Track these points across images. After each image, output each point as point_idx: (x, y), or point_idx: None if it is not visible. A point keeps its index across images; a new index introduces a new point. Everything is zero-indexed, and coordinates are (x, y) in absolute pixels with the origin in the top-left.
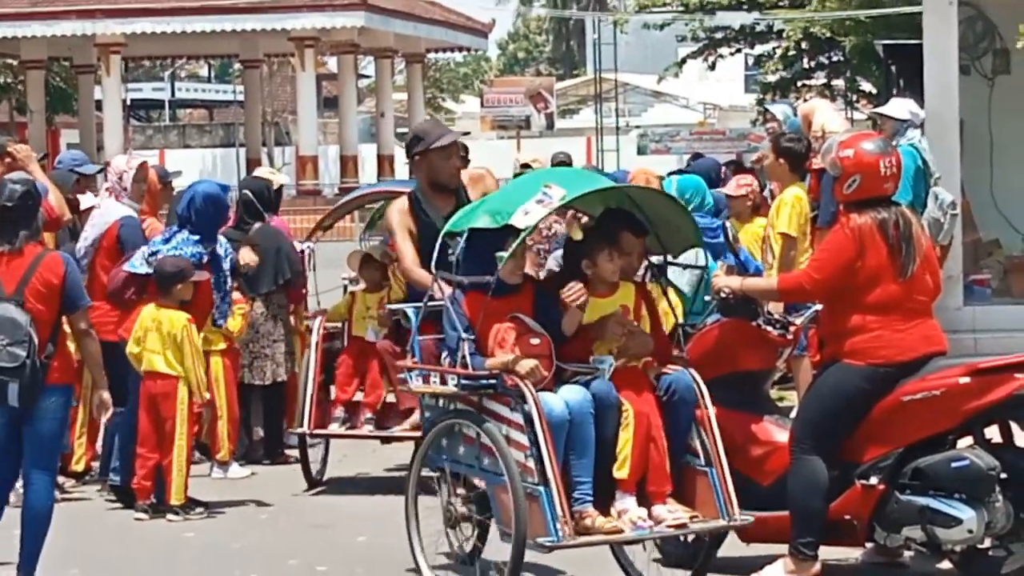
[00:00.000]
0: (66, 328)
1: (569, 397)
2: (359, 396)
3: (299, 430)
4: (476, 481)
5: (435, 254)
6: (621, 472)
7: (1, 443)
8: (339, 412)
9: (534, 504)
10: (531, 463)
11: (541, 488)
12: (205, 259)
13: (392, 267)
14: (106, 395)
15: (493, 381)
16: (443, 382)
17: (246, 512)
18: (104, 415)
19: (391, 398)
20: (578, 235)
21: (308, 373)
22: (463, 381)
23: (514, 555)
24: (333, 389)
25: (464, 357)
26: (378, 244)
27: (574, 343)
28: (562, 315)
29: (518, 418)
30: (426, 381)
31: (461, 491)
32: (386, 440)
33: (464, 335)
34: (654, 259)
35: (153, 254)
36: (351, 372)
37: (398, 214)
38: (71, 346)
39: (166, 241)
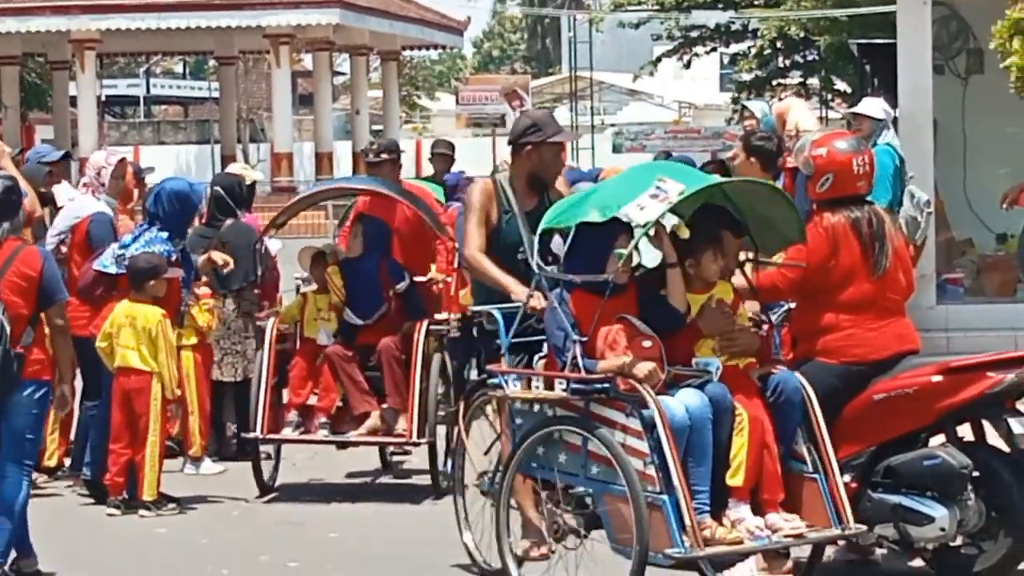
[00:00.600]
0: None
1: (688, 401)
2: (313, 400)
3: (251, 435)
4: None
5: (536, 250)
6: (735, 479)
7: None
8: (292, 416)
9: (656, 514)
10: (651, 471)
11: (664, 497)
12: (174, 256)
13: (330, 269)
14: (68, 390)
15: (607, 385)
16: (548, 387)
17: (218, 508)
18: (63, 411)
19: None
20: (685, 233)
21: (260, 376)
22: (574, 385)
23: (636, 569)
24: (286, 392)
25: (575, 360)
26: (330, 242)
27: (675, 344)
28: (666, 307)
29: (635, 424)
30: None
31: (550, 500)
32: (342, 445)
33: (575, 337)
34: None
35: (122, 252)
36: (304, 375)
37: (481, 195)
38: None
39: (135, 239)
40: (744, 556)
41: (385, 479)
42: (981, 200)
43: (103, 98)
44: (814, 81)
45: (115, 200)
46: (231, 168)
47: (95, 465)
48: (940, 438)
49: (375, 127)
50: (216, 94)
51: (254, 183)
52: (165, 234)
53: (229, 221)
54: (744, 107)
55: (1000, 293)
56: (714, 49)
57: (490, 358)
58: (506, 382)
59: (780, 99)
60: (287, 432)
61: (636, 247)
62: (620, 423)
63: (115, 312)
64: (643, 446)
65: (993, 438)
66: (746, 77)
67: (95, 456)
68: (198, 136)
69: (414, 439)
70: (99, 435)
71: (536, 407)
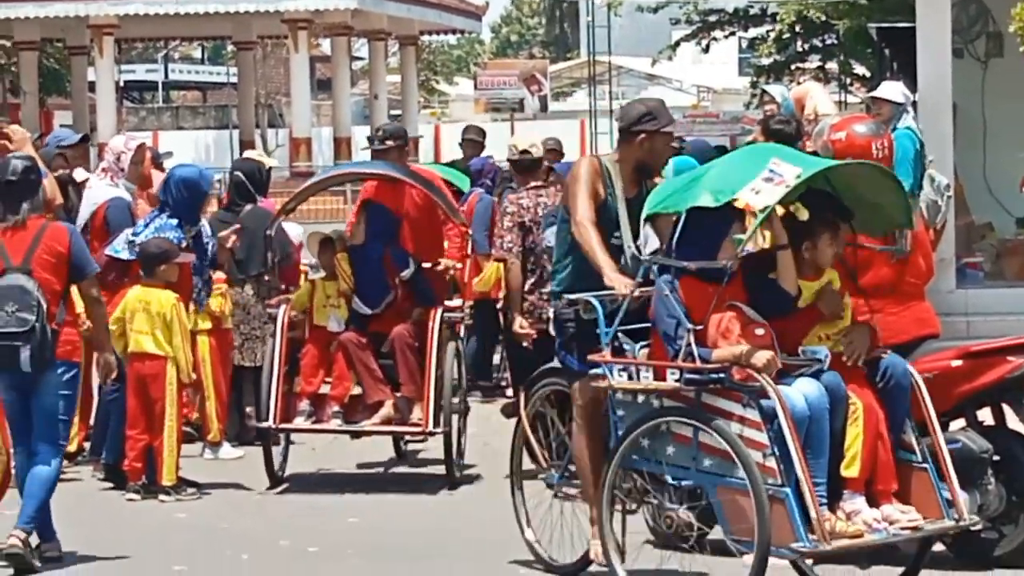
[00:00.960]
0: (77, 308)
1: (806, 391)
2: (325, 388)
3: (264, 424)
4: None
5: (643, 237)
6: (851, 470)
7: (19, 411)
8: (304, 405)
9: (778, 507)
10: (771, 463)
11: (786, 490)
12: (184, 243)
13: (339, 256)
14: (111, 358)
15: (722, 375)
16: (658, 377)
17: (238, 494)
18: (109, 377)
19: (357, 390)
20: (804, 215)
21: (272, 365)
22: (688, 375)
23: (757, 566)
24: (297, 381)
25: (689, 348)
26: (338, 228)
27: (783, 330)
28: (777, 292)
29: (754, 415)
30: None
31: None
32: (356, 435)
33: (688, 325)
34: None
35: (133, 238)
36: (316, 363)
37: (589, 170)
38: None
39: (146, 225)
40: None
41: (400, 468)
42: (1001, 184)
43: (122, 83)
44: (833, 65)
45: (134, 185)
46: (248, 154)
47: (113, 451)
48: (960, 422)
49: (393, 112)
50: (234, 79)
51: (270, 169)
52: (175, 220)
53: (248, 206)
54: (764, 91)
55: (1020, 277)
56: (732, 33)
57: (588, 347)
58: (610, 372)
59: (799, 83)
60: (299, 421)
61: (755, 233)
62: (737, 414)
63: (128, 297)
64: (762, 437)
65: (1013, 422)
66: (765, 61)
67: (113, 442)
68: (216, 121)
69: (430, 428)
70: (118, 421)
71: (640, 398)
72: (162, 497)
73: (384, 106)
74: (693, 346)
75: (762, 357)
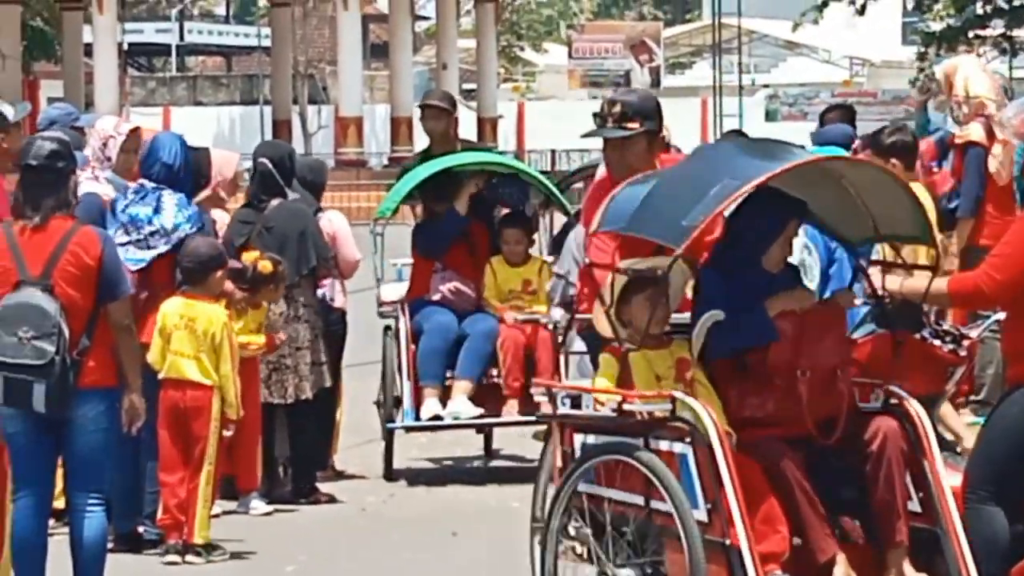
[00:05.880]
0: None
1: None
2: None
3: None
4: None
5: None
6: None
7: (29, 454)
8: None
9: None
10: None
11: None
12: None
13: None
14: (138, 399)
15: None
16: None
17: (269, 560)
18: (135, 424)
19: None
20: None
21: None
22: None
23: None
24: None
25: None
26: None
27: None
28: None
29: None
30: None
31: None
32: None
33: None
34: None
35: (147, 231)
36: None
37: None
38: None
39: (155, 211)
40: None
41: None
42: None
43: (126, 46)
44: (1022, 33)
45: (123, 180)
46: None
47: (126, 514)
48: None
49: (466, 86)
50: (267, 43)
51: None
52: (181, 194)
53: (275, 202)
54: (933, 74)
55: None
56: None
57: None
58: None
59: (978, 55)
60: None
61: None
62: None
63: (165, 311)
64: None
65: None
66: (935, 27)
67: (125, 503)
68: (243, 95)
69: None
70: (129, 474)
71: None
72: (190, 558)
73: (455, 78)
74: None
75: None
